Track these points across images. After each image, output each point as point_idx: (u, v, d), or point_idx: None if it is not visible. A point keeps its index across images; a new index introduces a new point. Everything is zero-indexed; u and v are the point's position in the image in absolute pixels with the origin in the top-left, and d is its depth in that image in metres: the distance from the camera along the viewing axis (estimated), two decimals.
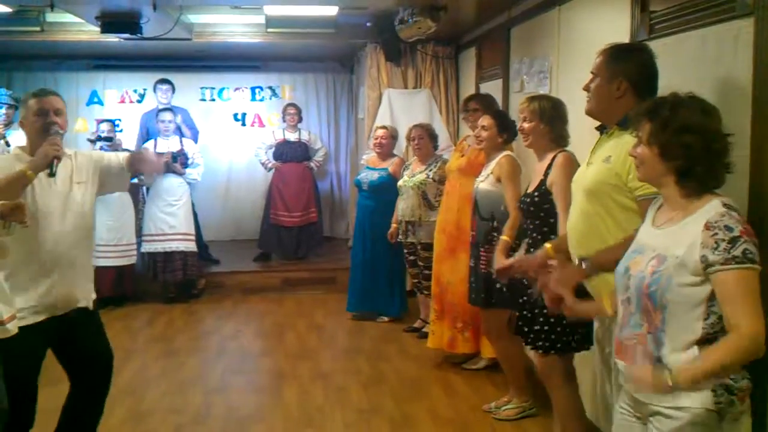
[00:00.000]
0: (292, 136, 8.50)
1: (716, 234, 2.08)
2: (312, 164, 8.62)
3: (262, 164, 8.62)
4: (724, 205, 2.13)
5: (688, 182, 2.20)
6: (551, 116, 3.76)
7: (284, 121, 8.63)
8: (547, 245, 3.44)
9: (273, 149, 8.53)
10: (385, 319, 6.77)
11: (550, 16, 4.79)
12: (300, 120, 8.64)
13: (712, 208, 2.13)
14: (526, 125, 3.80)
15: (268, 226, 8.60)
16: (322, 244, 8.93)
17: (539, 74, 4.92)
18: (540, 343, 3.62)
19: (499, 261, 4.10)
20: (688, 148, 2.17)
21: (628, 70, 2.84)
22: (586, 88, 2.98)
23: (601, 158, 2.87)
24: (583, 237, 2.93)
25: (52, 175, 3.33)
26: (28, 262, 3.32)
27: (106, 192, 3.78)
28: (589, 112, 3.01)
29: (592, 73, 2.96)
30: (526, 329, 3.75)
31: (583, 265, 2.71)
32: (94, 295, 3.65)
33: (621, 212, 2.78)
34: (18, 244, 3.19)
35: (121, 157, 3.78)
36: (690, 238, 2.12)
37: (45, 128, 3.35)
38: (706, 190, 2.19)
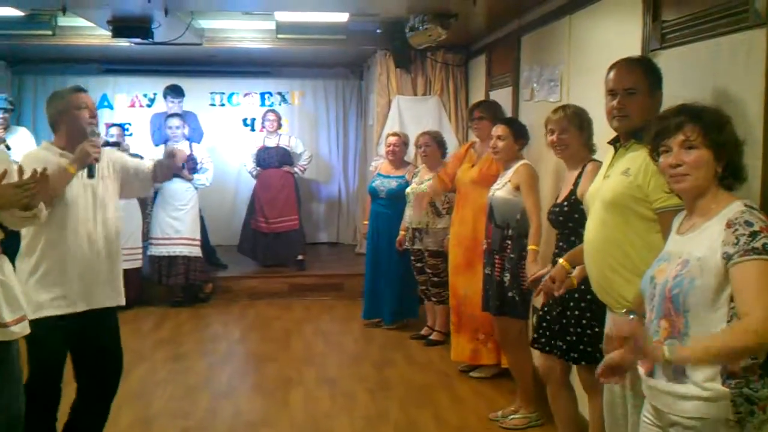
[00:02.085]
0: (271, 142, 8.39)
1: (737, 230, 2.08)
2: (296, 169, 8.46)
3: (249, 173, 8.57)
4: (745, 205, 2.14)
5: (728, 179, 2.23)
6: (582, 121, 3.74)
7: (263, 127, 8.52)
8: (562, 261, 3.42)
9: (255, 156, 8.42)
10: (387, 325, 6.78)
11: (561, 25, 4.79)
12: (279, 126, 8.50)
13: (733, 208, 2.14)
14: (564, 136, 3.73)
15: (247, 231, 8.54)
16: (303, 252, 8.53)
17: (550, 83, 4.91)
18: (575, 355, 3.53)
19: (532, 271, 4.04)
20: (737, 145, 2.23)
21: (659, 80, 2.87)
22: (621, 106, 2.86)
23: (619, 171, 2.85)
24: (602, 249, 2.90)
25: (91, 176, 3.48)
26: (57, 251, 3.43)
27: (127, 195, 3.88)
28: (627, 130, 2.89)
29: (623, 89, 2.85)
30: (558, 342, 3.63)
31: (634, 317, 2.59)
32: (122, 294, 3.74)
33: (641, 223, 2.77)
34: (48, 233, 3.35)
35: (147, 165, 3.93)
36: (711, 238, 2.13)
37: (90, 130, 3.49)
38: (731, 187, 2.23)
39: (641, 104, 2.85)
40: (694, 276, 2.13)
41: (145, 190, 3.96)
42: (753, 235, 2.05)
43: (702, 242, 2.16)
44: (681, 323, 2.18)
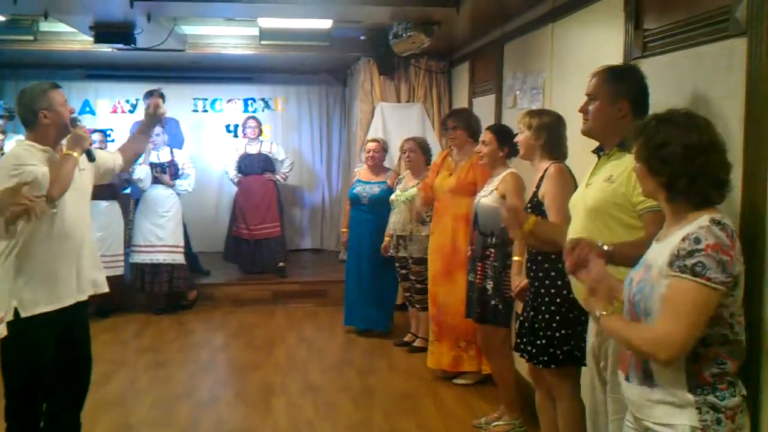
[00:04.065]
0: (252, 149, 8.36)
1: (684, 243, 2.09)
2: (278, 176, 8.43)
3: (231, 180, 8.52)
4: (712, 220, 2.11)
5: (675, 198, 2.20)
6: (542, 130, 3.78)
7: (245, 134, 8.47)
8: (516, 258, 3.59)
9: (237, 163, 8.38)
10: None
11: (543, 33, 4.81)
12: (260, 133, 8.49)
13: (698, 222, 2.12)
14: (520, 136, 3.86)
15: (230, 238, 8.53)
16: (285, 260, 8.51)
17: (532, 90, 4.93)
18: (545, 358, 3.56)
19: (516, 282, 4.08)
20: (666, 162, 2.18)
21: (628, 90, 2.89)
22: (583, 110, 3.00)
23: (602, 179, 2.89)
24: None
25: (92, 160, 3.58)
26: (46, 247, 3.40)
27: (97, 181, 3.85)
28: (588, 133, 3.03)
29: (588, 95, 2.98)
30: (529, 347, 3.68)
31: (605, 248, 2.63)
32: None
33: (623, 230, 2.80)
34: (36, 229, 3.33)
35: (115, 158, 3.97)
36: (670, 249, 2.13)
37: (71, 119, 3.51)
38: (695, 206, 2.17)
39: (597, 109, 2.94)
40: (653, 283, 2.16)
41: (110, 174, 3.95)
42: (692, 252, 2.06)
43: (664, 251, 2.17)
44: None
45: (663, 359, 2.07)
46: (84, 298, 3.59)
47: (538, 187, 3.72)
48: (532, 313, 3.63)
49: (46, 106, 3.45)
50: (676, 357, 2.07)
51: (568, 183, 3.56)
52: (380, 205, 6.42)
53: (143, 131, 4.19)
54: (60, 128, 3.47)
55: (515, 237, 3.69)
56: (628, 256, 2.49)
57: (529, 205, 3.75)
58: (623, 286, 2.36)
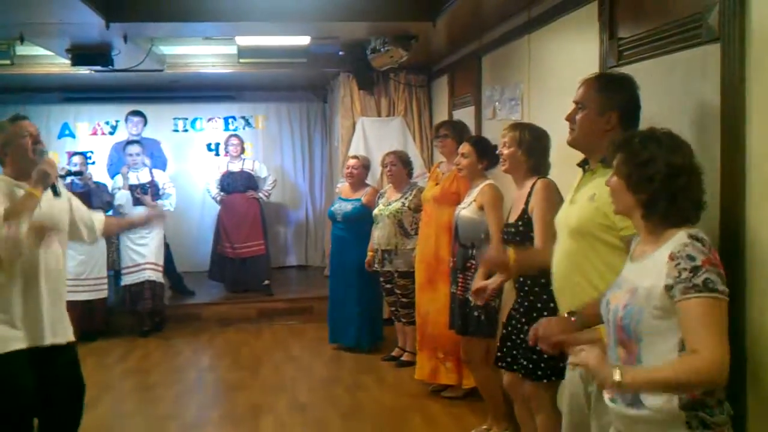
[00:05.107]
0: (235, 167, 8.35)
1: (679, 264, 2.06)
2: (261, 194, 8.43)
3: (213, 198, 8.50)
4: (690, 236, 2.11)
5: (652, 216, 2.20)
6: (531, 146, 3.77)
7: (227, 152, 8.48)
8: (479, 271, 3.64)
9: (219, 181, 8.37)
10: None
11: (520, 44, 4.83)
12: (243, 151, 8.51)
13: (677, 239, 2.12)
14: (505, 151, 3.83)
15: (215, 257, 8.51)
16: (270, 277, 8.50)
17: (511, 101, 4.95)
18: (548, 372, 3.54)
19: (476, 283, 4.08)
20: (650, 180, 2.18)
21: (619, 101, 2.77)
22: (570, 119, 2.87)
23: (585, 196, 2.80)
24: (567, 276, 2.86)
25: (57, 194, 3.45)
26: (18, 287, 3.34)
27: (71, 237, 3.75)
28: (573, 143, 2.90)
29: (576, 102, 2.86)
30: (522, 361, 3.64)
31: (573, 319, 2.62)
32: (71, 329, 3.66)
33: (607, 251, 2.69)
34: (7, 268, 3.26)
35: (96, 219, 3.87)
36: (656, 269, 2.11)
37: (36, 150, 3.43)
38: (672, 225, 2.17)
39: (585, 119, 2.81)
40: (642, 306, 2.13)
41: (91, 239, 3.88)
42: (694, 270, 2.04)
43: (648, 271, 2.15)
44: (635, 351, 2.17)
45: (723, 381, 2.02)
46: (60, 342, 3.49)
47: (527, 203, 3.69)
48: (526, 327, 3.60)
49: (7, 141, 3.43)
50: (727, 375, 2.01)
51: (555, 198, 3.54)
52: (353, 223, 6.45)
53: (122, 227, 4.14)
54: (23, 161, 3.41)
55: (508, 278, 3.65)
56: (597, 313, 2.43)
57: (519, 223, 3.71)
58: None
